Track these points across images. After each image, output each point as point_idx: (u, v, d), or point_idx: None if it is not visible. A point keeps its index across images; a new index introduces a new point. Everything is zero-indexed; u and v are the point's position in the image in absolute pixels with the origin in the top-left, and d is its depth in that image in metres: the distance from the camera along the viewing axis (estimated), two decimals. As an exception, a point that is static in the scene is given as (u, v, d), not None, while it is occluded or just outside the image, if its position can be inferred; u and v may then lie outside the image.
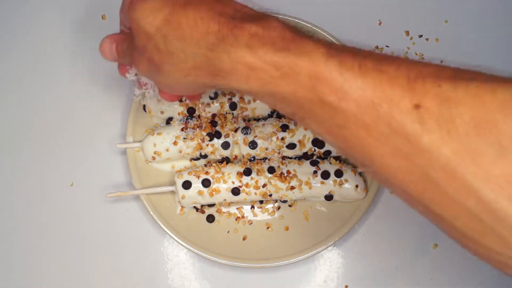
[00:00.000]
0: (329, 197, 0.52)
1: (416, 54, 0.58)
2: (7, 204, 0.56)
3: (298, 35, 0.34)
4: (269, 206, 0.55)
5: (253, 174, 0.51)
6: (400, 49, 0.58)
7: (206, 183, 0.51)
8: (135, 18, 0.37)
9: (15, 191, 0.56)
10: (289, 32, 0.34)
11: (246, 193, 0.51)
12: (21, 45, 0.59)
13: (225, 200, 0.52)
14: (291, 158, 0.53)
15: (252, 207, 0.54)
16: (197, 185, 0.51)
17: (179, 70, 0.37)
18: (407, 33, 0.59)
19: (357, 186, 0.51)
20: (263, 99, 0.36)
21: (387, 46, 0.58)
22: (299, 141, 0.52)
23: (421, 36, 0.59)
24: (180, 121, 0.53)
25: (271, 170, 0.51)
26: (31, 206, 0.56)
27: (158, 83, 0.41)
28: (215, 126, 0.52)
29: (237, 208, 0.54)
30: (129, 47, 0.42)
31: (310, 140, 0.52)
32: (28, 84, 0.58)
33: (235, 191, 0.51)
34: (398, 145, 0.30)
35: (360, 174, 0.53)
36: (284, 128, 0.52)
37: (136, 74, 0.45)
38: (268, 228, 0.54)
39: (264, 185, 0.51)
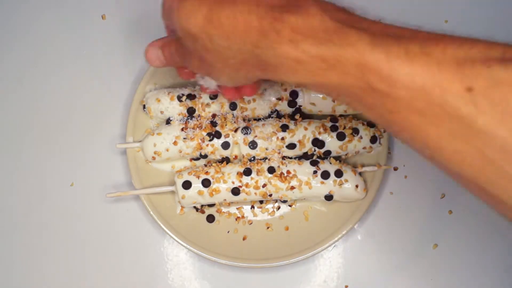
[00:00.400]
0: (329, 197, 0.52)
1: (416, 54, 0.58)
2: (7, 204, 0.56)
3: (339, 22, 0.34)
4: (269, 206, 0.55)
5: (253, 174, 0.51)
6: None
7: (206, 183, 0.51)
8: (178, 21, 0.37)
9: (15, 191, 0.56)
10: (330, 20, 0.34)
11: (246, 193, 0.51)
12: (21, 45, 0.59)
13: (225, 200, 0.52)
14: (291, 158, 0.53)
15: (252, 207, 0.54)
16: (197, 185, 0.51)
17: (230, 66, 0.37)
18: (407, 33, 0.59)
19: (357, 186, 0.51)
20: (314, 89, 0.37)
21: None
22: (299, 141, 0.52)
23: (421, 36, 0.59)
24: (180, 121, 0.53)
25: (271, 170, 0.51)
26: (31, 206, 0.56)
27: (215, 78, 0.42)
28: (215, 126, 0.52)
29: (237, 208, 0.54)
30: (178, 50, 0.42)
31: (310, 140, 0.52)
32: (28, 84, 0.58)
33: (235, 191, 0.51)
34: (453, 128, 0.30)
35: (360, 174, 0.53)
36: (284, 128, 0.52)
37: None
38: (268, 228, 0.54)
39: (264, 185, 0.51)
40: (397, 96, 0.31)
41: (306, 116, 0.54)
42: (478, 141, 0.29)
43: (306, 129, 0.52)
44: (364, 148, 0.52)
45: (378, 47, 0.31)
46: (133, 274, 0.55)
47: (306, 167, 0.51)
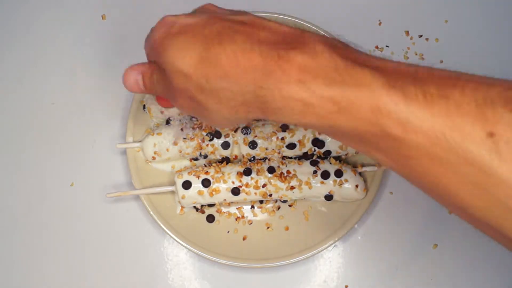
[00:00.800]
0: (329, 197, 0.52)
1: (416, 54, 0.58)
2: (7, 204, 0.56)
3: (349, 60, 0.31)
4: (269, 206, 0.55)
5: (253, 174, 0.51)
6: (400, 49, 0.58)
7: (206, 183, 0.51)
8: (169, 60, 0.34)
9: (15, 191, 0.56)
10: (339, 58, 0.31)
11: (246, 193, 0.51)
12: (21, 45, 0.59)
13: (225, 200, 0.52)
14: (291, 158, 0.53)
15: (252, 207, 0.54)
16: (197, 185, 0.51)
17: (228, 108, 0.34)
18: (407, 33, 0.59)
19: (357, 186, 0.51)
20: (321, 131, 0.34)
21: (387, 46, 0.58)
22: (299, 141, 0.52)
23: (421, 36, 0.59)
24: (180, 121, 0.53)
25: (271, 170, 0.51)
26: (31, 206, 0.56)
27: (203, 118, 0.39)
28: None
29: (237, 208, 0.54)
30: (160, 80, 0.38)
31: (310, 140, 0.52)
32: (28, 84, 0.58)
33: (235, 191, 0.51)
34: (474, 176, 0.28)
35: (360, 174, 0.53)
36: (284, 128, 0.52)
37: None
38: (268, 228, 0.54)
39: (264, 185, 0.51)
40: (414, 142, 0.29)
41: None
42: (500, 191, 0.28)
43: (306, 129, 0.52)
44: None
45: (394, 88, 0.29)
46: (133, 274, 0.55)
47: (306, 167, 0.51)
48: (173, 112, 0.53)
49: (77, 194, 0.56)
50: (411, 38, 0.59)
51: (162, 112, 0.53)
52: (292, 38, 0.33)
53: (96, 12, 0.60)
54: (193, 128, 0.52)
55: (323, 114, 0.31)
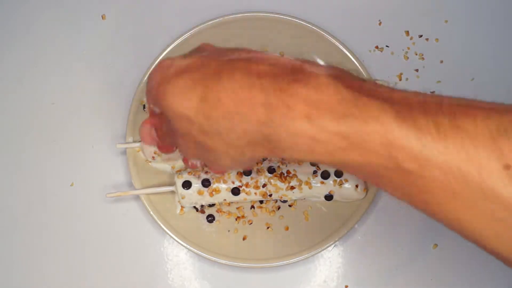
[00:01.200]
0: (329, 197, 0.52)
1: (416, 54, 0.58)
2: (7, 204, 0.56)
3: (355, 91, 0.30)
4: (269, 206, 0.54)
5: (253, 174, 0.51)
6: (400, 49, 0.58)
7: (206, 183, 0.51)
8: (168, 105, 0.33)
9: (15, 191, 0.56)
10: (345, 90, 0.30)
11: (246, 193, 0.51)
12: (21, 45, 0.59)
13: (225, 200, 0.52)
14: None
15: (252, 207, 0.54)
16: (197, 185, 0.51)
17: (233, 148, 0.33)
18: (407, 33, 0.59)
19: (357, 186, 0.51)
20: (331, 166, 0.33)
21: (387, 46, 0.58)
22: None
23: (421, 36, 0.59)
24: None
25: (271, 170, 0.51)
26: (31, 206, 0.56)
27: (210, 163, 0.37)
28: None
29: (237, 208, 0.54)
30: (168, 129, 0.37)
31: None
32: (28, 84, 0.58)
33: (235, 191, 0.51)
34: (491, 209, 0.28)
35: None
36: None
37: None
38: (268, 228, 0.54)
39: (264, 185, 0.51)
40: (429, 177, 0.28)
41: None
42: None
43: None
44: None
45: (405, 120, 0.28)
46: (133, 274, 0.55)
47: (306, 167, 0.51)
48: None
49: (77, 194, 0.56)
50: (411, 38, 0.59)
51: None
52: (293, 70, 0.31)
53: (96, 12, 0.60)
54: None
55: (333, 150, 0.30)
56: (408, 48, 0.58)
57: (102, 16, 0.60)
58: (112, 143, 0.57)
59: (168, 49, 0.56)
